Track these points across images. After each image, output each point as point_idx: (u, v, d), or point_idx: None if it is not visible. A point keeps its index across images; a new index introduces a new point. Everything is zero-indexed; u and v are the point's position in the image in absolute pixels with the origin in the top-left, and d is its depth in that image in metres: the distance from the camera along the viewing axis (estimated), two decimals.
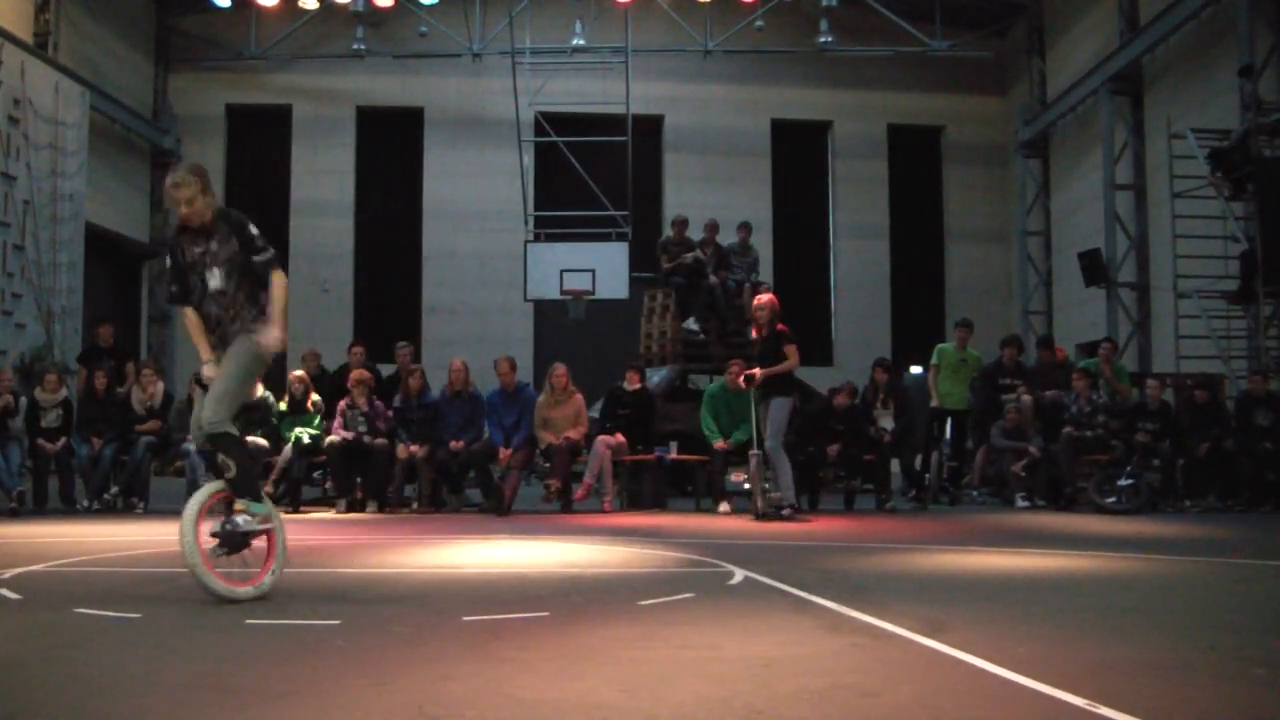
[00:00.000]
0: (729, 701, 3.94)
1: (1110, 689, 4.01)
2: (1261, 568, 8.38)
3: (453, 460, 14.22)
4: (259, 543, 6.55)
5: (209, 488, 6.59)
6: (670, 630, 5.35)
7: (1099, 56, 23.36)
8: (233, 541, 6.40)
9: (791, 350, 12.64)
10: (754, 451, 12.77)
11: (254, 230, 6.68)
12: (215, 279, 6.60)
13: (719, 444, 14.07)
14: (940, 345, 16.67)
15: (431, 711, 3.79)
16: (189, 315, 6.71)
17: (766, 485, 12.61)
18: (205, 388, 6.60)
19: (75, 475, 14.37)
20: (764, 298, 13.32)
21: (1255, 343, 17.27)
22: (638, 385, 15.21)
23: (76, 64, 22.47)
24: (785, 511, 12.38)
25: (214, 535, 6.40)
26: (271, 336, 6.53)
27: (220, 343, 6.63)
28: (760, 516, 12.44)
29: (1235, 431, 14.71)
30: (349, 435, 14.06)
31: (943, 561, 8.72)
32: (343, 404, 14.37)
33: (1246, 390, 15.17)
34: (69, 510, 13.95)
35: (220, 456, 6.55)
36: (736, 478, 14.41)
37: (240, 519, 6.44)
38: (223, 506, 6.52)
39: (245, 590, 6.35)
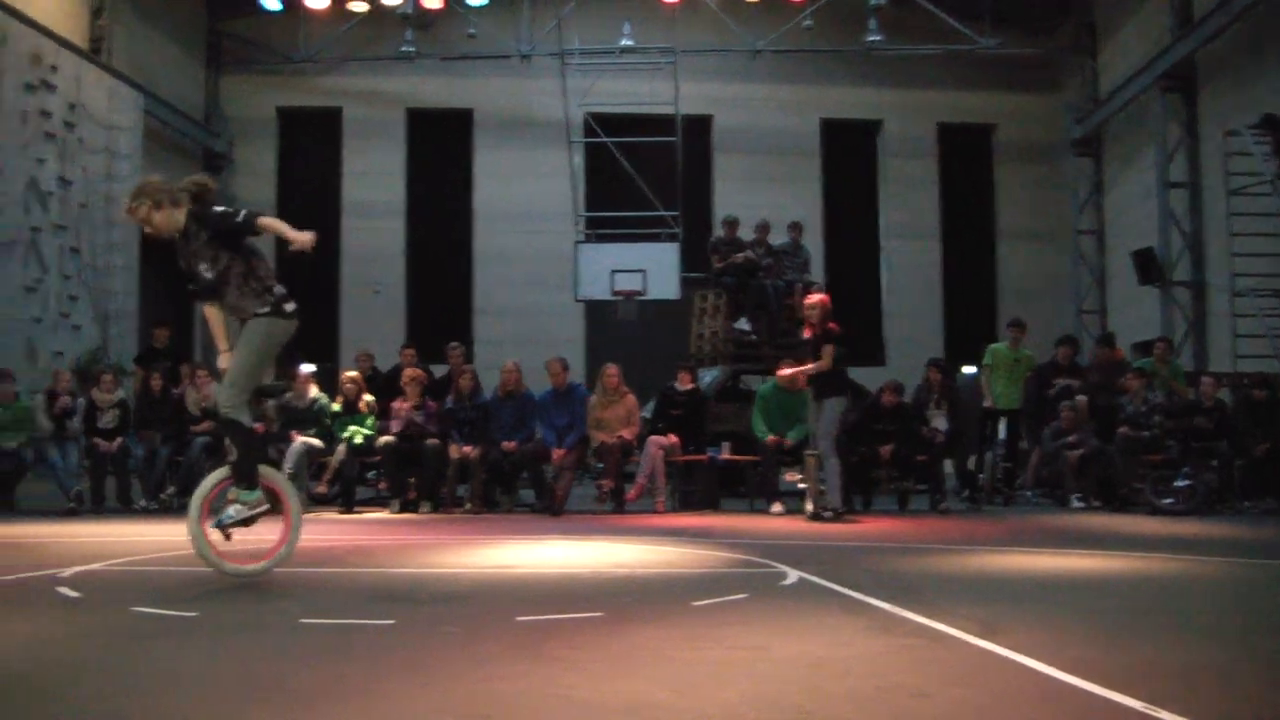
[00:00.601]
0: (778, 702, 3.93)
1: (1168, 692, 3.97)
2: None
3: (505, 460, 14.25)
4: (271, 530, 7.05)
5: (212, 477, 6.99)
6: (722, 631, 5.34)
7: (1151, 53, 23.14)
8: (230, 530, 6.92)
9: (827, 350, 12.57)
10: (809, 452, 12.75)
11: (218, 209, 6.99)
12: (207, 270, 6.91)
13: (770, 439, 14.05)
14: (993, 345, 16.54)
15: (483, 711, 3.80)
16: (206, 311, 7.12)
17: (822, 486, 12.59)
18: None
19: (132, 475, 14.54)
20: (815, 297, 13.29)
21: None
22: (690, 385, 15.20)
23: (130, 69, 22.67)
24: (827, 514, 12.34)
25: (215, 527, 6.89)
26: (299, 236, 6.72)
27: (242, 325, 6.95)
28: (812, 517, 12.42)
29: None
30: (402, 427, 14.17)
31: (996, 562, 8.67)
32: (405, 405, 14.42)
33: None
34: (126, 510, 14.10)
35: (226, 440, 7.02)
36: (790, 478, 14.38)
37: (231, 510, 6.91)
38: (223, 497, 6.97)
39: (253, 567, 6.97)
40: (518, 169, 26.86)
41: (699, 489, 14.90)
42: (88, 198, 20.29)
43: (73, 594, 6.51)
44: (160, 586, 7.08)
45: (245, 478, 6.89)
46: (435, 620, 5.71)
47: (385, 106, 27.50)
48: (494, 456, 14.20)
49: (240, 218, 6.85)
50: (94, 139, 20.61)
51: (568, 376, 14.88)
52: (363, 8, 24.71)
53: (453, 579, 7.63)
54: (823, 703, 3.93)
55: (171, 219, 6.93)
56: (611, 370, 14.58)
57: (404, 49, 25.42)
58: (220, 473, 6.99)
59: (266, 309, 6.86)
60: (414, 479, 14.34)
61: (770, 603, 6.21)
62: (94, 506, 14.05)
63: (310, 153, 27.86)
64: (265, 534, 7.21)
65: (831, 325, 12.75)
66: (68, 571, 7.44)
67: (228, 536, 6.97)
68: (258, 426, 6.98)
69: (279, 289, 6.96)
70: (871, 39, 24.91)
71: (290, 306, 6.98)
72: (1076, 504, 14.83)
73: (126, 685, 4.28)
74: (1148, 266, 22.30)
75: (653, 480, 14.13)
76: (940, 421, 14.83)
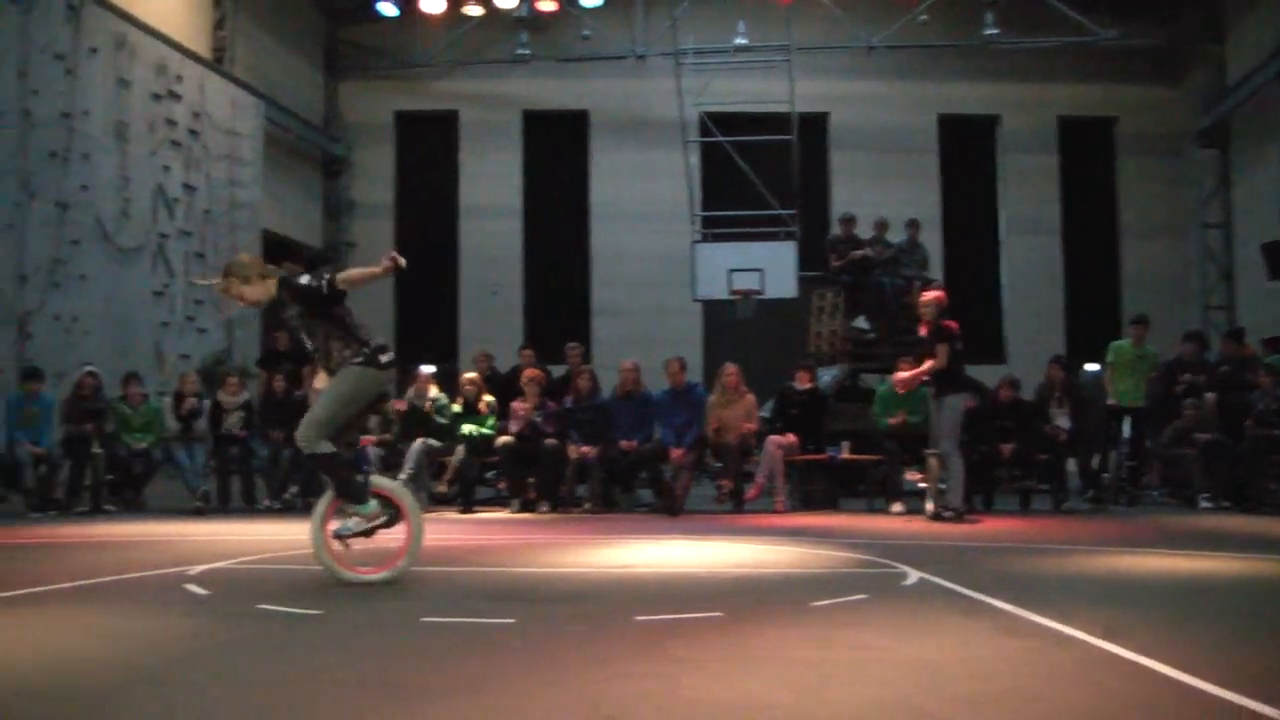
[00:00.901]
0: (900, 704, 3.91)
1: None
2: None
3: (623, 460, 14.28)
4: (395, 532, 7.22)
5: (325, 497, 7.23)
6: (842, 631, 5.32)
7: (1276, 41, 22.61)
8: (350, 539, 7.13)
9: (941, 349, 12.42)
10: (929, 451, 12.65)
11: (303, 281, 7.17)
12: (309, 342, 7.33)
13: (893, 420, 13.99)
14: (1115, 342, 16.22)
15: (606, 710, 3.82)
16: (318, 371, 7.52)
17: (942, 486, 12.49)
18: None
19: (256, 475, 14.83)
20: (930, 294, 13.15)
21: None
22: (809, 384, 15.14)
23: (251, 77, 23.10)
24: (947, 514, 12.21)
25: (334, 537, 7.11)
26: (384, 265, 6.92)
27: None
28: (932, 517, 12.32)
29: None
30: (521, 427, 14.26)
31: (1121, 564, 8.53)
32: (524, 406, 14.51)
33: None
34: (250, 509, 14.38)
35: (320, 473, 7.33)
36: (911, 477, 14.24)
37: (350, 522, 7.10)
38: (343, 510, 7.15)
39: (377, 575, 7.08)
40: (633, 169, 26.94)
41: (818, 488, 14.83)
42: (211, 204, 20.74)
43: (200, 591, 6.65)
44: (285, 585, 7.20)
45: (350, 497, 7.07)
46: (555, 619, 5.75)
47: (501, 109, 27.73)
48: (612, 456, 14.24)
49: (325, 288, 7.03)
50: (217, 146, 21.05)
51: (685, 376, 14.88)
52: (478, 11, 24.93)
53: (572, 578, 7.68)
54: (943, 705, 3.90)
55: (264, 290, 7.26)
56: (731, 370, 14.56)
57: (519, 51, 25.63)
58: (328, 495, 7.18)
59: (360, 359, 7.10)
60: (533, 479, 14.43)
61: (890, 603, 6.17)
62: (220, 506, 14.37)
63: (428, 156, 28.16)
64: (393, 539, 7.32)
65: (946, 323, 12.61)
66: (195, 569, 7.61)
67: (346, 546, 7.14)
68: (364, 440, 7.17)
69: (377, 341, 7.22)
70: (988, 32, 24.66)
71: (386, 358, 7.21)
72: (1205, 504, 14.51)
73: (251, 681, 4.37)
74: (1278, 260, 21.78)
75: (772, 480, 14.09)
76: (1063, 420, 14.61)
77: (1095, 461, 15.52)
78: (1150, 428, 15.90)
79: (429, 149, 28.20)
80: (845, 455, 14.83)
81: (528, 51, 25.75)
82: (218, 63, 22.10)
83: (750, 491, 14.20)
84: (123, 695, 4.17)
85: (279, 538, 10.40)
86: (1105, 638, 4.99)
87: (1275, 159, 23.09)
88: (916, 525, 11.92)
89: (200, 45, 21.66)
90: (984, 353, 22.79)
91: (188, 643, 5.21)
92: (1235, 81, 25.00)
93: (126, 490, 14.60)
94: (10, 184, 16.00)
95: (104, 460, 14.22)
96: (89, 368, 15.01)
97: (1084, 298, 27.69)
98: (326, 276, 7.03)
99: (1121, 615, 5.68)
